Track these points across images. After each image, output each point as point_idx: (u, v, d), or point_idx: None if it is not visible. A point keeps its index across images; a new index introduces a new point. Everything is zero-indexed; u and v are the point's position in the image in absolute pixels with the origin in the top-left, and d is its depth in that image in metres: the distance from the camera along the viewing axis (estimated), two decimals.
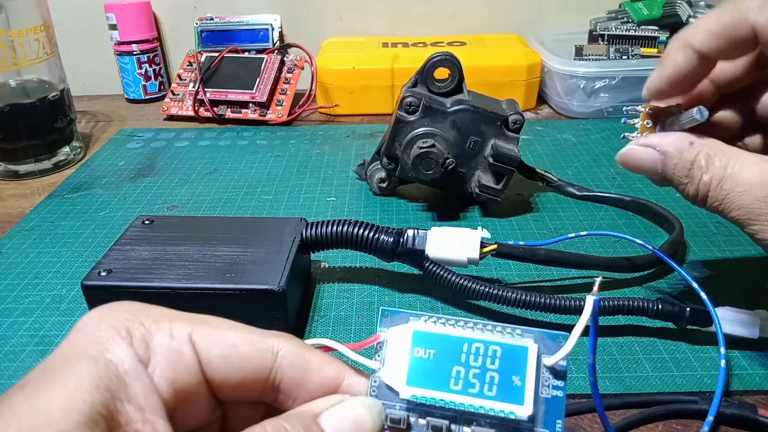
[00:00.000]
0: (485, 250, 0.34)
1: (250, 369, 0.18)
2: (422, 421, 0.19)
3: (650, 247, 0.34)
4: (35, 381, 0.15)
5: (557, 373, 0.18)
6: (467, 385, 0.18)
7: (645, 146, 0.28)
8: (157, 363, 0.17)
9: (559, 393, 0.18)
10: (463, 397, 0.18)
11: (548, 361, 0.18)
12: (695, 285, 0.31)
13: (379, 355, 0.19)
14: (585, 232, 0.37)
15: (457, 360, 0.18)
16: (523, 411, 0.18)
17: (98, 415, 0.15)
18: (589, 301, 0.18)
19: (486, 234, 0.35)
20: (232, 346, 0.18)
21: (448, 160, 0.43)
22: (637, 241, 0.35)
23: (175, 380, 0.17)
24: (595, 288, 0.19)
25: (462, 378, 0.18)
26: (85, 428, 0.14)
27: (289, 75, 0.70)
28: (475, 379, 0.18)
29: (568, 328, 0.18)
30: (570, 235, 0.37)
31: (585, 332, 0.19)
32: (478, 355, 0.18)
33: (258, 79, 0.68)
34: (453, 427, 0.18)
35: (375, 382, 0.19)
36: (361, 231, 0.35)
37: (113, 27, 0.74)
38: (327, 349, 0.20)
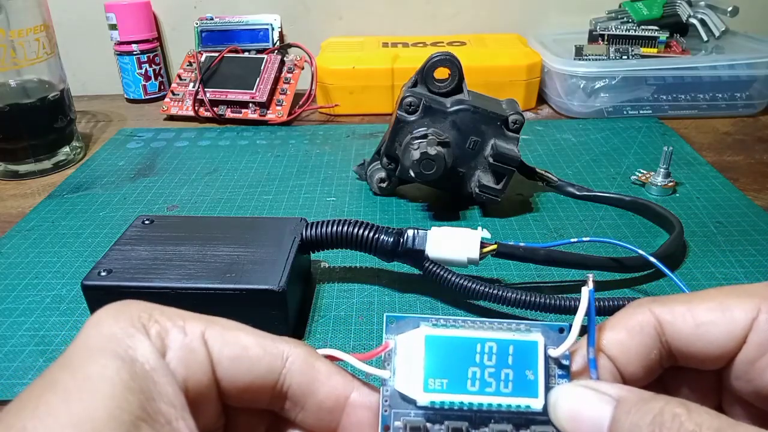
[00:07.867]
0: (485, 250, 0.34)
1: (259, 372, 0.18)
2: (441, 427, 0.19)
3: (640, 252, 0.34)
4: (64, 380, 0.15)
5: (561, 363, 0.19)
6: (484, 385, 0.18)
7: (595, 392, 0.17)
8: (170, 359, 0.17)
9: (565, 381, 0.19)
10: (481, 397, 0.18)
11: (554, 352, 0.19)
12: (687, 291, 0.31)
13: (388, 364, 0.19)
14: (587, 238, 0.37)
15: (472, 361, 0.19)
16: (538, 403, 0.18)
17: (138, 420, 0.14)
18: (585, 292, 0.19)
19: (486, 234, 0.35)
20: (243, 348, 0.18)
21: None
22: (639, 251, 0.34)
23: (188, 379, 0.17)
24: (590, 283, 0.19)
25: (478, 378, 0.18)
26: None
27: (289, 75, 0.70)
28: (491, 378, 0.18)
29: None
30: (572, 240, 0.37)
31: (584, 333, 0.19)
32: (492, 354, 0.19)
33: (258, 79, 0.68)
34: (471, 429, 0.19)
35: (387, 391, 0.19)
36: (361, 231, 0.35)
37: (113, 27, 0.74)
38: (333, 359, 0.20)
